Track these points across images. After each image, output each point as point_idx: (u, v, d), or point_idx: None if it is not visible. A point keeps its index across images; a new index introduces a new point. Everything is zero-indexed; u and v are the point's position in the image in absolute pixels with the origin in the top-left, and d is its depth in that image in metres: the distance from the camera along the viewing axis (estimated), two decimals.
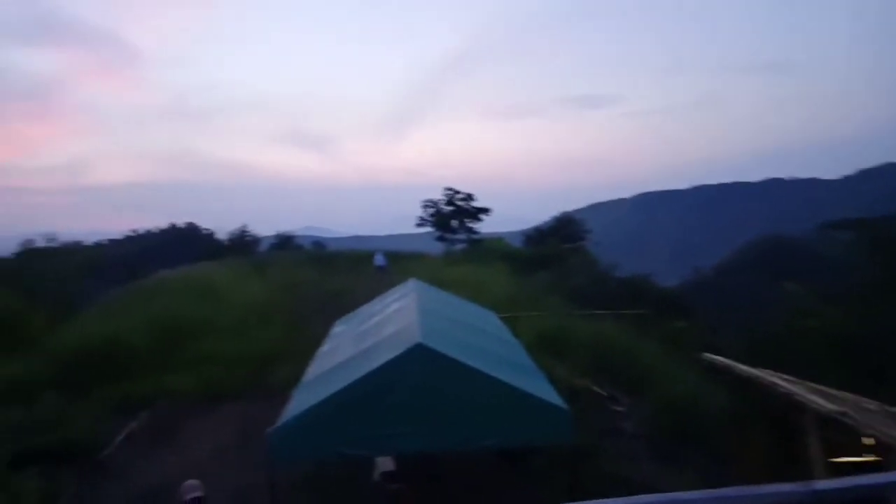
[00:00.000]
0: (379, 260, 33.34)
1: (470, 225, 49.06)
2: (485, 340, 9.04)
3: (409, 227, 52.44)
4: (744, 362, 11.62)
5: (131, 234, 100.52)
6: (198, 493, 6.61)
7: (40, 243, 30.09)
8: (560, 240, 44.48)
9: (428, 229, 50.45)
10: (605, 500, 2.42)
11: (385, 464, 7.58)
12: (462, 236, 49.06)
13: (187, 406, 12.83)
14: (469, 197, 48.93)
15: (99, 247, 60.90)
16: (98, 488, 9.42)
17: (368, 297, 13.99)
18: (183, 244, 75.44)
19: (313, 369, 9.05)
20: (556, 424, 6.68)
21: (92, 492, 9.24)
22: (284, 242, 54.25)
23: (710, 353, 13.12)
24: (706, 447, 11.02)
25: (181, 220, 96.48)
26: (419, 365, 6.56)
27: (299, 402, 7.32)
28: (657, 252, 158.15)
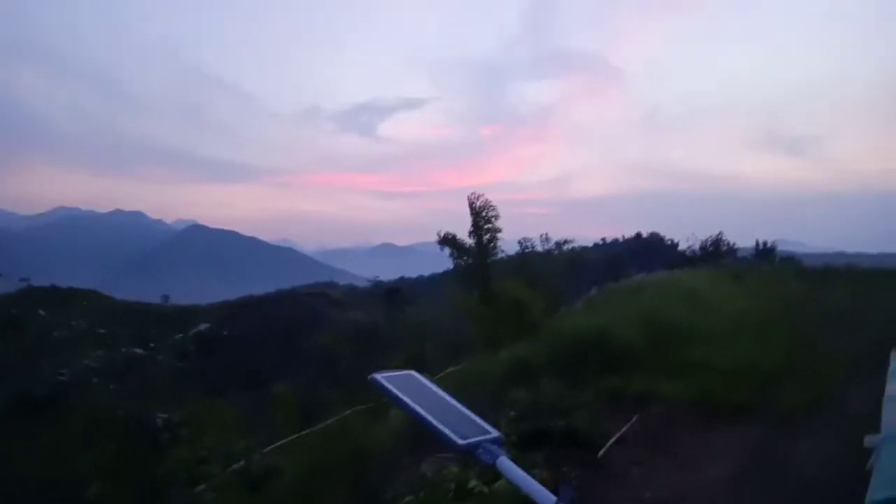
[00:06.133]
0: None
1: None
2: None
3: None
4: None
5: (600, 242, 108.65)
6: None
7: (535, 245, 33.66)
8: None
9: None
10: None
11: None
12: None
13: (680, 415, 11.43)
14: None
15: (574, 251, 66.46)
16: (597, 488, 8.74)
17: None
18: (648, 253, 76.84)
19: (892, 416, 6.46)
20: None
21: (592, 492, 8.58)
22: (764, 254, 48.39)
23: None
24: None
25: (647, 230, 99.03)
26: None
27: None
28: None
